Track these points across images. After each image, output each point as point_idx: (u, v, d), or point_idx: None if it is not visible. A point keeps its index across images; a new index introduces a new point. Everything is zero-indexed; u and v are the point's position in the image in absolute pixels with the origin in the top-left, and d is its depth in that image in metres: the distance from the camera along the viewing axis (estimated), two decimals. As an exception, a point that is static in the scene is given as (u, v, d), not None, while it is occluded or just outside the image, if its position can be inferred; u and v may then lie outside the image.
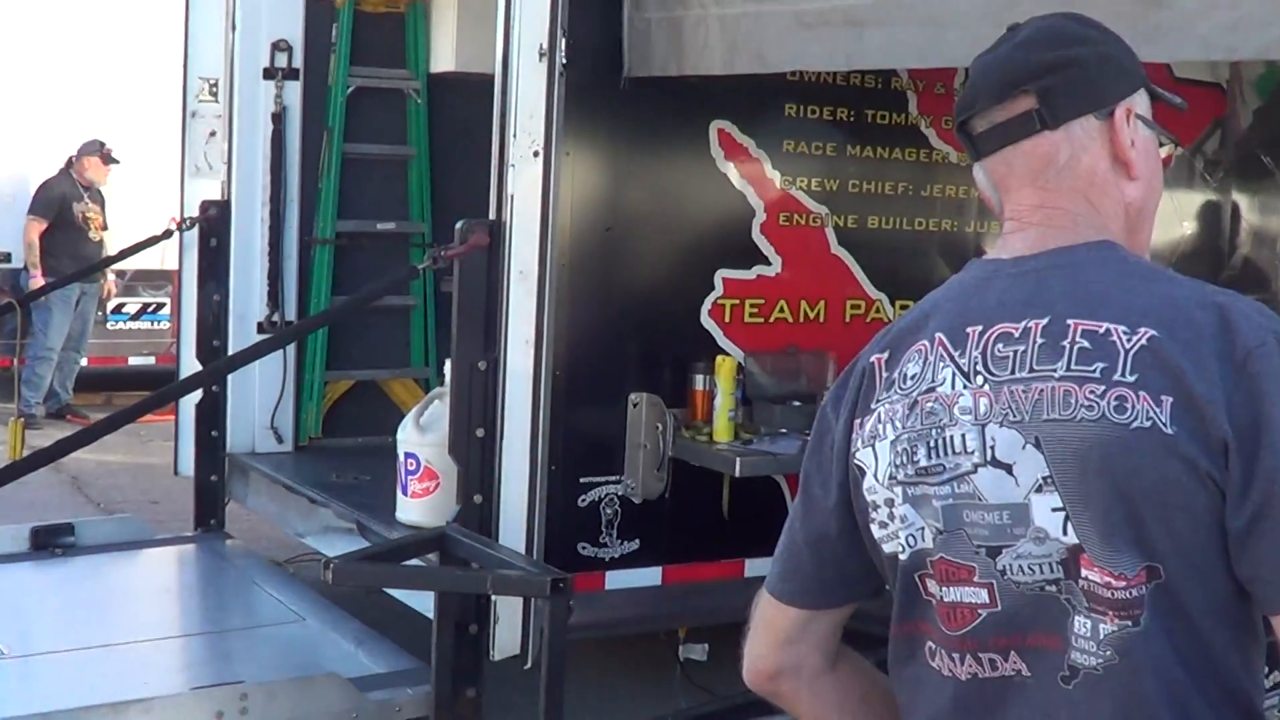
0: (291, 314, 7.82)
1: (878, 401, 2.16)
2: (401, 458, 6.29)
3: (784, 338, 6.36)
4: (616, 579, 6.04)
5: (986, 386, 2.04)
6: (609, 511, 6.01)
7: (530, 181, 5.56)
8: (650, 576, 6.12)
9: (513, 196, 5.58)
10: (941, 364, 2.09)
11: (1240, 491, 1.92)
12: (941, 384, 2.09)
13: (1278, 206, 8.49)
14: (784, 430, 6.05)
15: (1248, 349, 1.94)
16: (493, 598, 5.54)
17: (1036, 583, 2.02)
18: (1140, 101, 2.22)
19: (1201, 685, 2.01)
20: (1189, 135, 7.82)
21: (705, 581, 6.09)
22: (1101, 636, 1.99)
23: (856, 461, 2.17)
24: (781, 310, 6.38)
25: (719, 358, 6.06)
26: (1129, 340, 1.96)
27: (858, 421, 2.18)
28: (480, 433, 5.64)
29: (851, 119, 6.52)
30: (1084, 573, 1.98)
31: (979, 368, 2.05)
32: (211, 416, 7.70)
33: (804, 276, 6.44)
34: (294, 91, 7.81)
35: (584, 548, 5.97)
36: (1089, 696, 2.02)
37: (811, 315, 6.44)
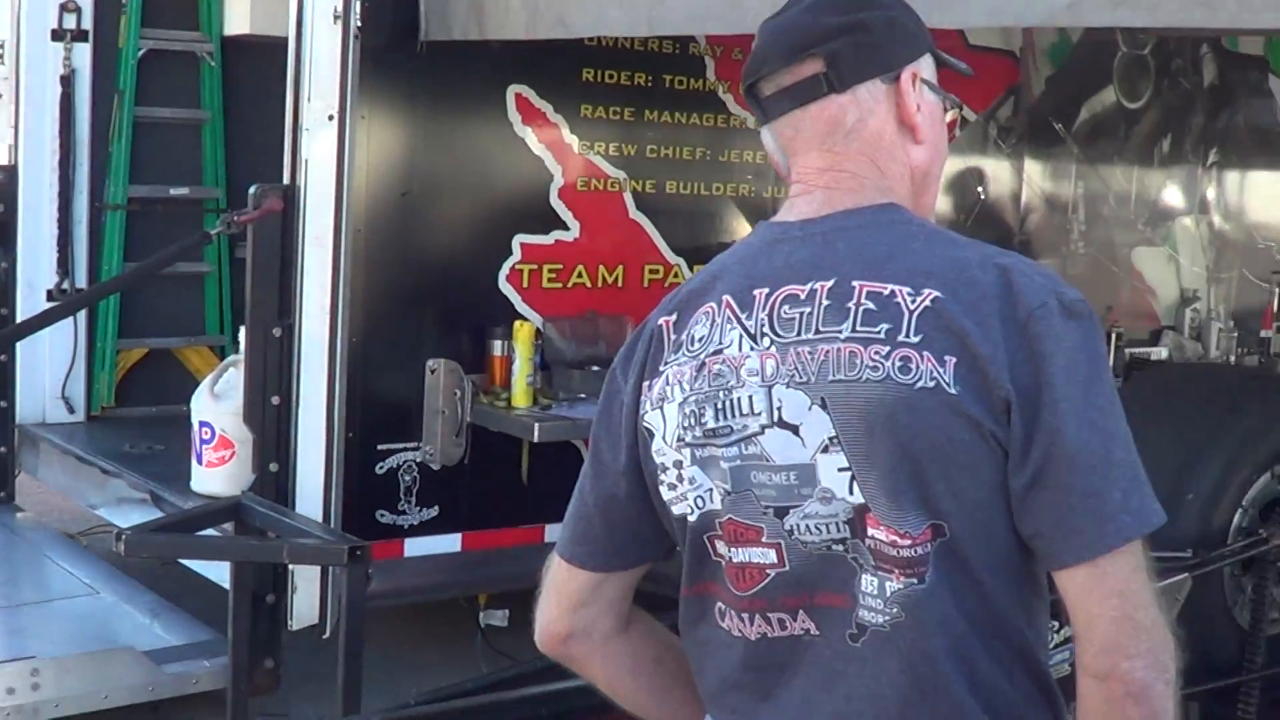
0: (82, 281, 7.62)
1: (666, 364, 2.16)
2: (196, 427, 6.19)
3: (583, 303, 6.35)
4: (416, 546, 6.01)
5: (773, 348, 2.05)
6: (407, 478, 5.97)
7: (325, 146, 5.50)
8: (450, 543, 6.09)
9: (307, 161, 5.51)
10: (729, 326, 2.10)
11: (1022, 450, 1.95)
12: (729, 346, 2.09)
13: (1069, 173, 8.65)
14: (583, 395, 6.04)
15: (1030, 309, 1.97)
16: (289, 567, 5.49)
17: (823, 542, 2.04)
18: (926, 66, 2.24)
19: (986, 641, 2.04)
20: (983, 102, 7.94)
21: (505, 547, 6.08)
22: (888, 594, 2.01)
23: (645, 424, 2.17)
24: (580, 275, 6.38)
25: (517, 323, 6.04)
26: (913, 301, 1.98)
27: (646, 384, 2.18)
28: (276, 400, 5.58)
29: (649, 84, 6.52)
30: (870, 532, 2.00)
31: (765, 329, 2.06)
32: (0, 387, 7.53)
33: (602, 241, 6.44)
34: (83, 54, 7.60)
35: (382, 515, 5.93)
36: (877, 654, 2.04)
37: (610, 280, 6.44)
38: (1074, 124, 8.56)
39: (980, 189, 8.22)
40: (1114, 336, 8.26)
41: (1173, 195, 9.33)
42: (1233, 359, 9.26)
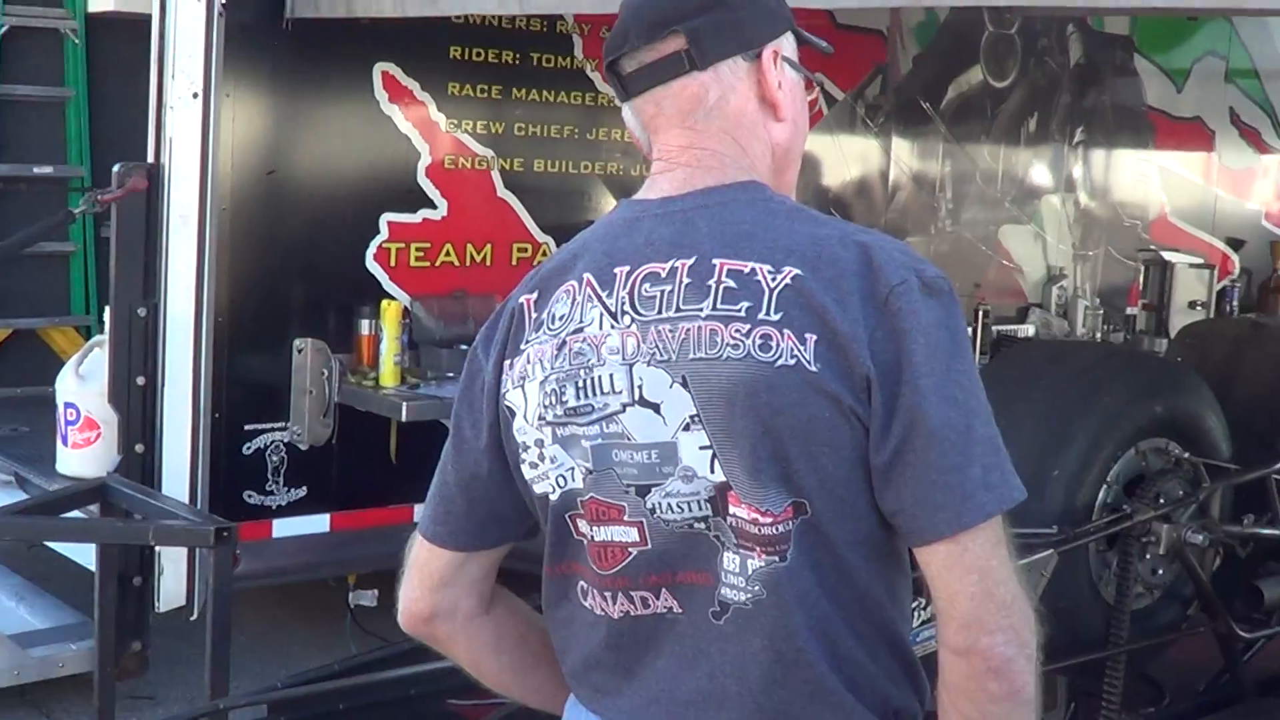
0: (-57, 261, 7.53)
1: (527, 342, 2.14)
2: (61, 408, 6.10)
3: (451, 281, 6.33)
4: (284, 526, 5.98)
5: (634, 326, 2.04)
6: (275, 459, 5.94)
7: (189, 124, 5.45)
8: (318, 523, 6.07)
9: (171, 139, 5.47)
10: (589, 304, 2.09)
11: (883, 427, 1.95)
12: (589, 324, 2.08)
13: (937, 151, 8.72)
14: (451, 374, 6.02)
15: (890, 286, 1.97)
16: (156, 549, 5.44)
17: (685, 520, 2.03)
18: (787, 44, 2.23)
19: (848, 617, 2.05)
20: (851, 81, 7.98)
21: (374, 527, 6.06)
22: (750, 572, 2.01)
23: (506, 403, 2.16)
24: (448, 254, 6.36)
25: (384, 302, 6.01)
26: (774, 279, 1.98)
27: (507, 362, 2.17)
28: (141, 381, 5.53)
29: (517, 62, 6.51)
30: (732, 510, 2.00)
31: (626, 308, 2.05)
32: None
33: (470, 220, 6.43)
34: (-56, 31, 7.51)
35: (250, 496, 5.89)
36: (739, 631, 2.04)
37: (478, 259, 6.43)
38: (941, 103, 8.64)
39: (849, 167, 8.27)
40: (981, 314, 8.34)
41: (1039, 174, 9.44)
42: (1099, 336, 9.37)
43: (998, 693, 2.00)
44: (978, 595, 1.97)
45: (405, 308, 6.10)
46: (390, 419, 5.95)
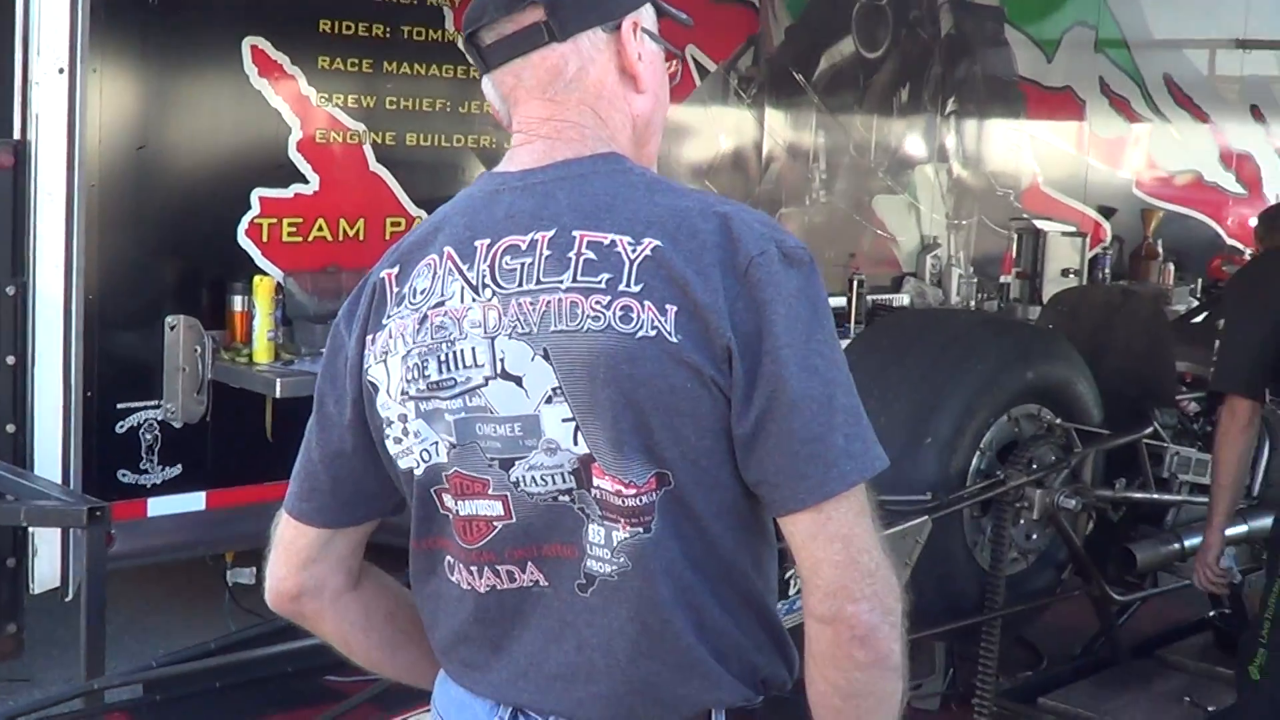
0: None
1: (388, 317, 2.13)
2: (-72, 390, 6.02)
3: (324, 256, 6.29)
4: (159, 505, 5.92)
5: (495, 299, 2.03)
6: (149, 437, 5.88)
7: (55, 100, 5.38)
8: (194, 501, 6.03)
9: (37, 116, 5.40)
10: (450, 278, 2.07)
11: (744, 398, 1.96)
12: (450, 298, 2.07)
13: (809, 122, 8.75)
14: (325, 350, 5.97)
15: (750, 257, 1.97)
16: (29, 530, 5.37)
17: (550, 493, 2.03)
18: (647, 16, 2.22)
19: (714, 588, 2.05)
20: (723, 52, 7.99)
21: (251, 504, 6.01)
22: (615, 544, 2.01)
23: (369, 378, 2.14)
24: (320, 229, 6.32)
25: (257, 278, 5.97)
26: (634, 251, 1.98)
27: (370, 337, 2.15)
28: (11, 360, 5.46)
29: (387, 35, 6.48)
30: (596, 482, 2.00)
31: (487, 281, 2.04)
32: None
33: (343, 194, 6.39)
34: None
35: (124, 475, 5.83)
36: (606, 603, 2.04)
37: (351, 233, 6.39)
38: (814, 74, 8.67)
39: (722, 139, 8.28)
40: (856, 284, 8.39)
41: (912, 144, 9.51)
42: (973, 304, 9.46)
43: (864, 660, 2.01)
44: (842, 563, 1.98)
45: (278, 283, 6.05)
46: (265, 395, 5.91)
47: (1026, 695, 6.22)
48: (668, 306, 1.95)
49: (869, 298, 8.58)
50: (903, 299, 9.19)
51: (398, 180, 6.54)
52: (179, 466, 5.97)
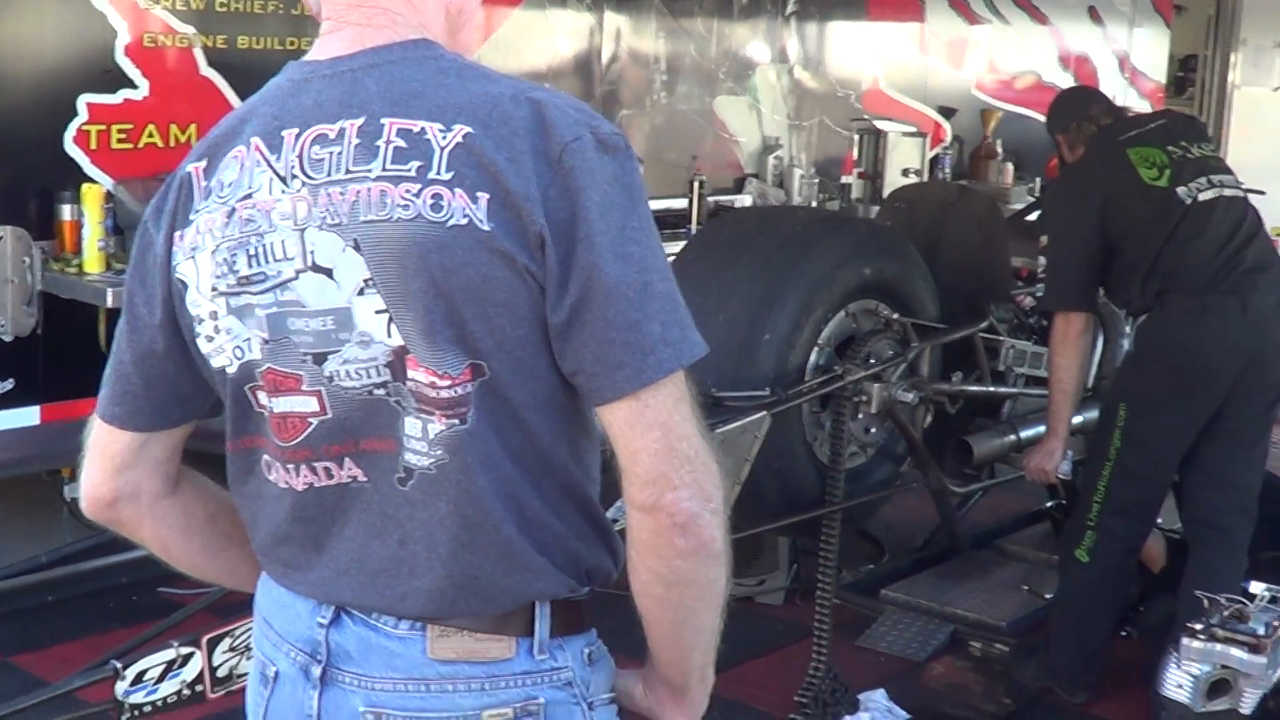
0: None
1: (196, 212, 2.08)
2: None
3: (155, 163, 6.16)
4: (-9, 421, 5.83)
5: (304, 190, 1.99)
6: (-22, 352, 5.78)
7: None
8: (28, 416, 5.92)
9: None
10: (258, 169, 2.03)
11: (559, 286, 1.94)
12: (259, 190, 2.02)
13: (650, 26, 8.71)
14: (133, 249, 5.88)
15: (563, 143, 1.95)
16: None
17: (364, 387, 2.00)
18: None
19: (534, 479, 2.04)
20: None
21: (86, 418, 5.90)
22: (432, 437, 1.99)
23: (179, 275, 2.10)
24: (151, 135, 6.20)
25: (86, 186, 5.85)
26: (444, 138, 1.94)
27: (178, 234, 2.10)
28: None
29: (216, -64, 6.36)
30: (410, 374, 1.97)
31: (296, 171, 2.00)
32: None
33: (173, 100, 6.26)
34: None
35: (-46, 391, 5.73)
36: (425, 497, 2.02)
37: (183, 139, 6.27)
38: (654, -25, 8.63)
39: (561, 41, 8.22)
40: (698, 185, 8.37)
41: (754, 46, 9.49)
42: (815, 204, 9.49)
43: (685, 548, 2.00)
44: (660, 452, 1.97)
45: (108, 191, 5.94)
46: (97, 306, 5.80)
47: (868, 588, 6.32)
48: (479, 194, 1.92)
49: (711, 199, 8.57)
50: (745, 200, 9.20)
51: (230, 84, 6.42)
52: (11, 381, 5.86)
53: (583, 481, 2.11)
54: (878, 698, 5.35)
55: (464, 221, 1.91)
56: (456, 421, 1.97)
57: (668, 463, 1.97)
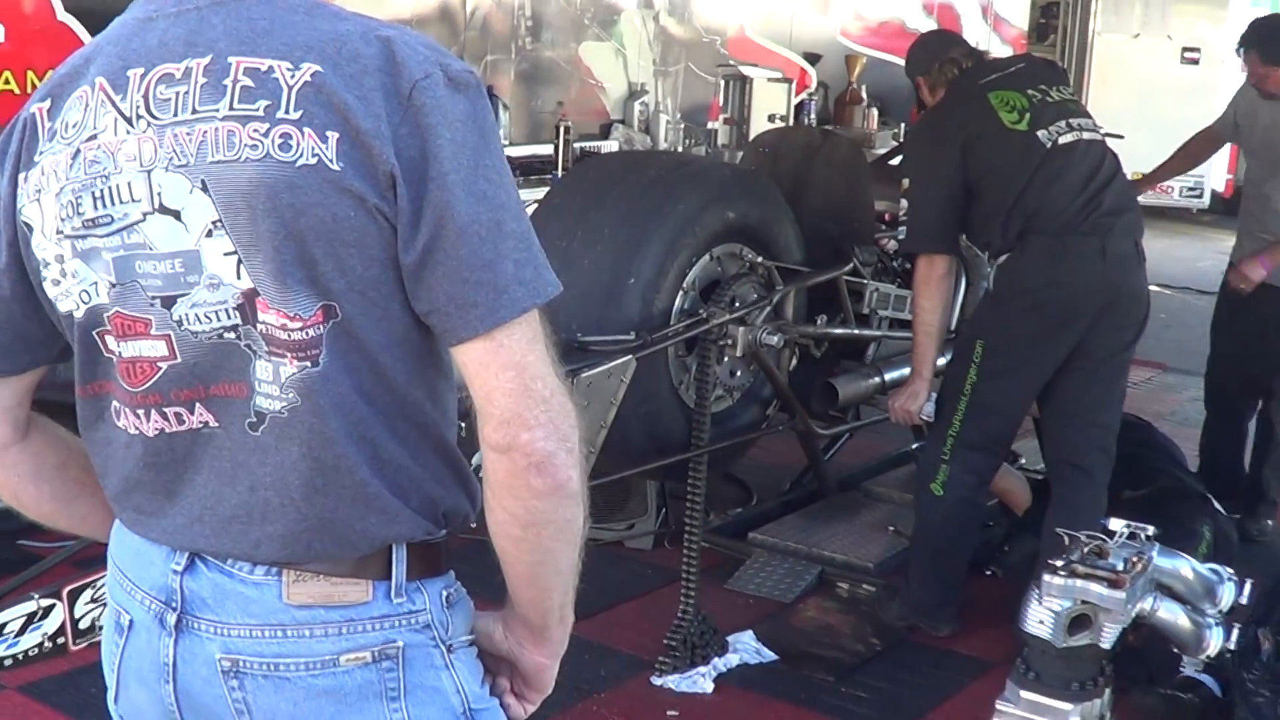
0: None
1: (40, 153, 2.04)
2: None
3: (12, 110, 6.04)
4: None
5: (150, 131, 1.95)
6: None
7: None
8: None
9: None
10: (103, 109, 1.99)
11: (410, 225, 1.92)
12: (104, 130, 1.98)
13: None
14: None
15: (414, 81, 1.93)
16: None
17: (214, 330, 1.98)
18: None
19: (388, 420, 2.03)
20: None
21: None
22: (283, 380, 1.97)
23: (24, 218, 2.06)
24: (7, 82, 6.10)
25: (-61, 134, 5.74)
26: (292, 76, 1.92)
27: (22, 176, 2.06)
28: None
29: (72, -124, 6.25)
30: (261, 316, 1.95)
31: (141, 111, 1.96)
32: None
33: (30, 45, 6.16)
34: None
35: None
36: (278, 441, 2.00)
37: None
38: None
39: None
40: (564, 130, 8.35)
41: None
42: (681, 150, 9.50)
43: (541, 488, 1.99)
44: (515, 391, 1.96)
45: (-38, 139, 5.83)
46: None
47: (737, 531, 6.35)
48: (329, 133, 1.89)
49: (577, 145, 8.57)
50: (611, 146, 9.19)
51: (88, 30, 6.32)
52: None
53: (439, 423, 2.09)
54: (746, 639, 5.38)
55: (313, 161, 1.89)
56: (308, 364, 1.95)
57: (522, 403, 1.96)
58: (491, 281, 1.93)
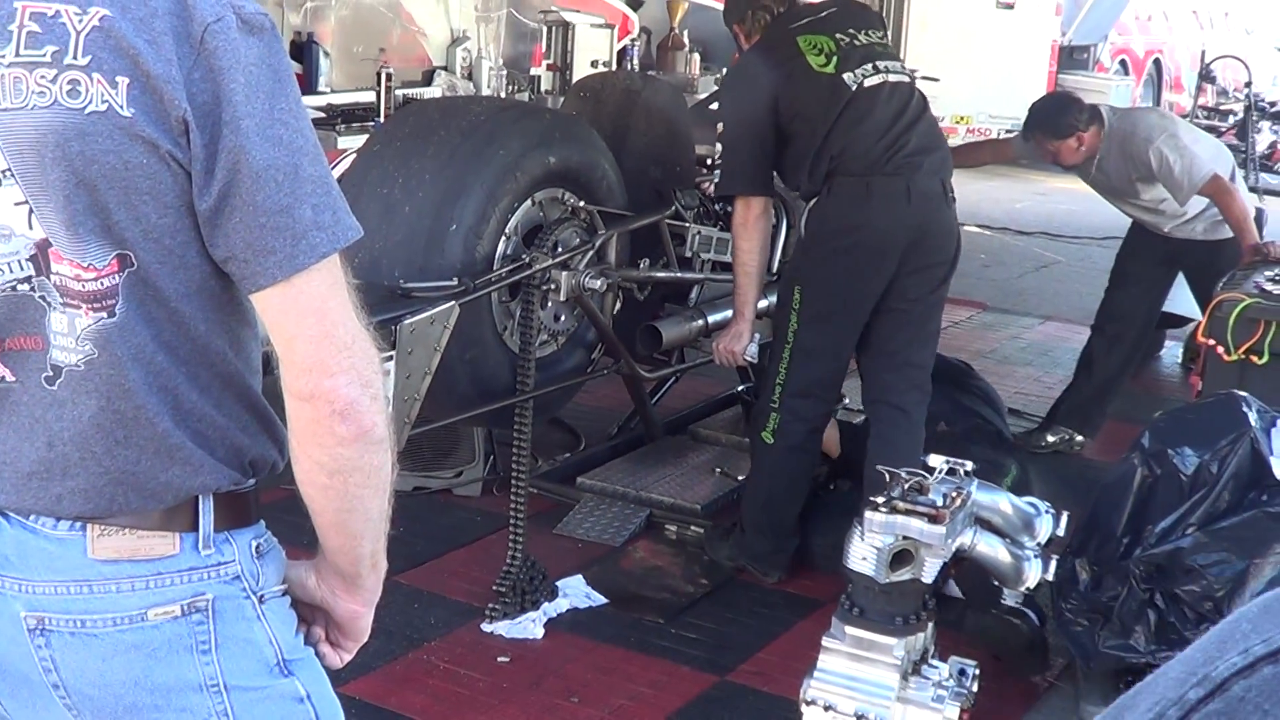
0: None
1: None
2: None
3: None
4: None
5: None
6: None
7: None
8: None
9: None
10: None
11: (205, 171, 1.89)
12: None
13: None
14: None
15: (205, 24, 1.90)
16: None
17: (8, 283, 1.94)
18: None
19: (190, 370, 2.00)
20: None
21: None
22: (79, 331, 1.94)
23: None
24: None
25: None
26: (80, 21, 1.88)
27: None
28: None
29: None
30: (55, 267, 1.92)
31: None
32: None
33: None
34: None
35: None
36: (74, 395, 1.97)
37: None
38: None
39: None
40: (385, 77, 8.29)
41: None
42: (504, 96, 9.46)
43: (346, 435, 1.98)
44: (316, 338, 1.94)
45: None
46: None
47: (565, 476, 6.36)
48: (119, 79, 1.86)
49: (399, 92, 8.51)
50: (434, 93, 9.14)
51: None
52: None
53: (243, 371, 2.07)
54: (576, 583, 5.40)
55: (103, 107, 1.86)
56: (104, 315, 1.93)
57: (324, 349, 1.95)
58: (289, 227, 1.91)
